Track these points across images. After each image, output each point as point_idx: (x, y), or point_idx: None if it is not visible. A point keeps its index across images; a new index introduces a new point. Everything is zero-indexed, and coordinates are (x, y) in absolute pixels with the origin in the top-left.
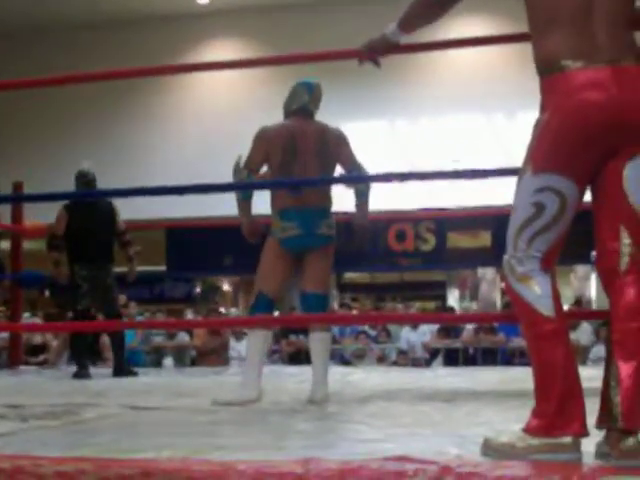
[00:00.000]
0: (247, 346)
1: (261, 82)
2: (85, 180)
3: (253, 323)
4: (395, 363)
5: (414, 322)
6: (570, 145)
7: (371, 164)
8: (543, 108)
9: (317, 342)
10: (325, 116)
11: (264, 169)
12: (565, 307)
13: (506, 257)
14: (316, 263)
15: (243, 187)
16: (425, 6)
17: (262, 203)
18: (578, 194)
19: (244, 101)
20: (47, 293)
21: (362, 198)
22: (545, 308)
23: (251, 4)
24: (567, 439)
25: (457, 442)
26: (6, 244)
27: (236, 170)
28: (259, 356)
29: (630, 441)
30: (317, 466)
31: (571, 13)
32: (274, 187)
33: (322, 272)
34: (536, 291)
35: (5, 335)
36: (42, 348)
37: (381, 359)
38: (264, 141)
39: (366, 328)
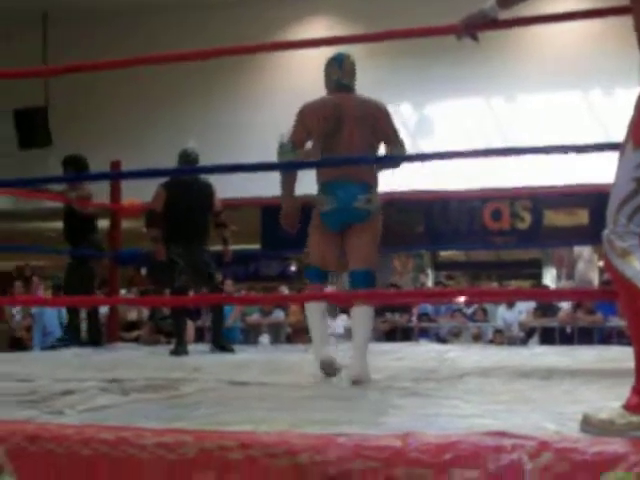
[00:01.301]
0: (308, 318)
1: (368, 63)
2: (188, 159)
3: (349, 298)
4: (491, 341)
5: (510, 299)
6: None
7: (468, 141)
8: None
9: (356, 317)
10: (421, 95)
11: (309, 145)
12: None
13: (606, 232)
14: (357, 239)
15: (334, 163)
16: None
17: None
18: None
19: None
20: (143, 271)
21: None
22: None
23: None
24: None
25: (555, 419)
26: (105, 223)
27: (281, 147)
28: (320, 328)
29: None
30: (416, 440)
31: None
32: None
33: (365, 248)
34: (636, 267)
35: (103, 312)
36: (136, 325)
37: (477, 337)
38: (306, 116)
39: (462, 306)
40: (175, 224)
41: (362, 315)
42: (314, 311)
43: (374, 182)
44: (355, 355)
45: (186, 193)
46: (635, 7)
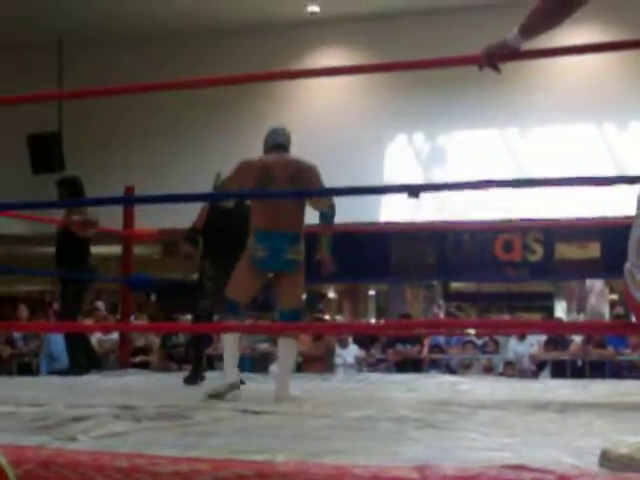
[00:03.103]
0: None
1: (367, 89)
2: (216, 184)
3: (341, 329)
4: (502, 374)
5: (522, 331)
6: None
7: (481, 172)
8: None
9: (282, 346)
10: (437, 125)
11: None
12: None
13: (627, 265)
14: (285, 285)
15: (338, 193)
16: (545, 13)
17: None
18: None
19: (351, 109)
20: (153, 297)
21: (326, 222)
22: None
23: (358, 13)
24: None
25: (573, 452)
26: (117, 249)
27: (214, 188)
28: (233, 355)
29: None
30: (433, 472)
31: None
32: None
33: (292, 292)
34: None
35: (115, 337)
36: (144, 350)
37: (488, 369)
38: (242, 171)
39: (473, 338)
40: (214, 243)
41: (288, 345)
42: (231, 340)
43: (301, 233)
44: (278, 377)
45: (227, 214)
46: None
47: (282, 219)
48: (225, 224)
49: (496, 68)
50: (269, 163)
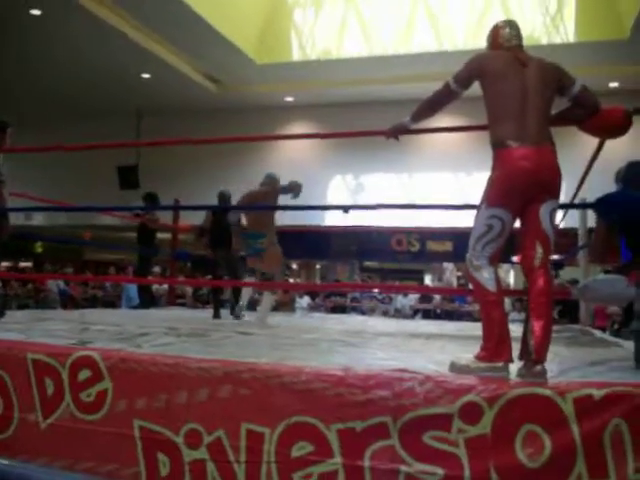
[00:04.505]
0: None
1: (320, 148)
2: (223, 197)
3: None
4: (393, 316)
5: (405, 291)
6: (509, 192)
7: (385, 198)
8: (494, 168)
9: (264, 295)
10: (360, 170)
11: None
12: None
13: (468, 255)
14: (263, 261)
15: (301, 208)
16: (427, 109)
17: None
18: (512, 221)
19: (310, 159)
20: (189, 265)
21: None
22: (490, 286)
23: (318, 102)
24: (500, 364)
25: (435, 362)
26: (169, 235)
27: (224, 201)
28: (247, 295)
29: (538, 367)
30: (352, 372)
31: (514, 113)
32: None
33: (268, 264)
34: (485, 275)
35: (165, 287)
36: (182, 296)
37: (385, 313)
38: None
39: (376, 294)
40: (217, 236)
41: (266, 295)
42: (247, 290)
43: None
44: (259, 310)
45: (223, 216)
46: (491, 124)
47: (260, 224)
48: (223, 224)
49: (397, 138)
50: (262, 192)
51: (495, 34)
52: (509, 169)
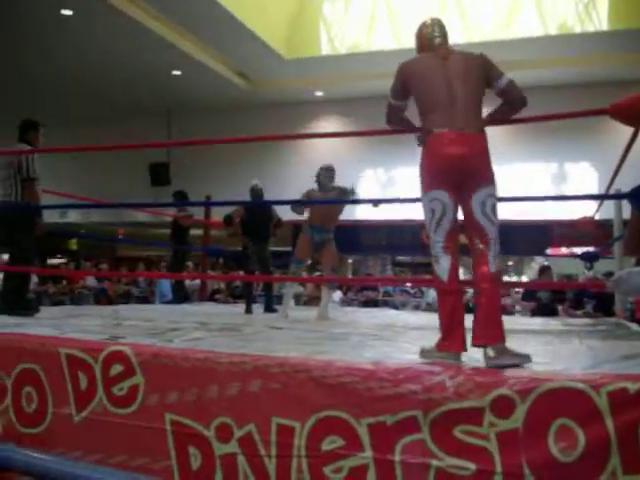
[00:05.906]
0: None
1: (351, 144)
2: (254, 192)
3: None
4: (425, 310)
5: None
6: (437, 174)
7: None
8: (422, 155)
9: (323, 290)
10: (390, 164)
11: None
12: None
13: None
14: (324, 254)
15: (334, 202)
16: (393, 124)
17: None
18: (452, 202)
19: (341, 155)
20: (221, 260)
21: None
22: (443, 276)
23: (348, 96)
24: (451, 352)
25: (464, 356)
26: (201, 231)
27: (256, 196)
28: (289, 295)
29: (490, 352)
30: (382, 365)
31: (440, 103)
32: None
33: (328, 258)
34: (441, 264)
35: (197, 282)
36: (215, 291)
37: (416, 307)
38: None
39: (408, 288)
40: (250, 229)
41: (325, 290)
42: (290, 285)
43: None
44: (321, 307)
45: (257, 210)
46: (421, 116)
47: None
48: (257, 216)
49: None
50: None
51: (419, 34)
52: (434, 152)
